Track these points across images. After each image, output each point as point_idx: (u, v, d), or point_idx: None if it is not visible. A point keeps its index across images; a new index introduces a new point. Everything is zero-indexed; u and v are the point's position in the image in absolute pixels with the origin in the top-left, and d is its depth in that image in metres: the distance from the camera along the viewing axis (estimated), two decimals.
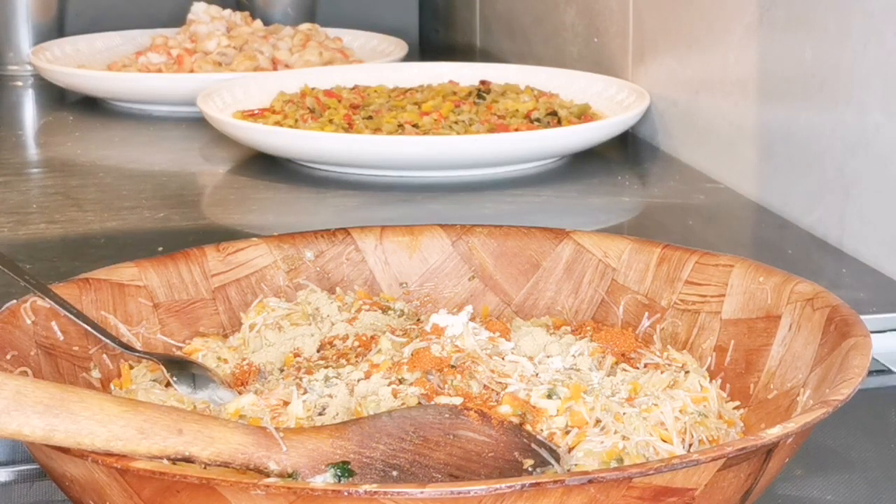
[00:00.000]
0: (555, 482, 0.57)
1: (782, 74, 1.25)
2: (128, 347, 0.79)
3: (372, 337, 0.80)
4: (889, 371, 0.93)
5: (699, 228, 1.24)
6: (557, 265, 0.88)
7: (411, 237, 0.90)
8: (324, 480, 0.63)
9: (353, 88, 1.59)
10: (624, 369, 0.76)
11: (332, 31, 1.99)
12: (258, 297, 0.86)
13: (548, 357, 0.76)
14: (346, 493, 0.57)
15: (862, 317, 0.74)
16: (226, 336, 0.84)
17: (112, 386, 0.79)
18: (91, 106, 1.75)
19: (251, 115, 1.49)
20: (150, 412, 0.62)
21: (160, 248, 1.11)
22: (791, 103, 1.23)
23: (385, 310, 0.84)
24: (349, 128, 1.42)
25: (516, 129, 1.41)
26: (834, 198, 1.16)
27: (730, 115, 1.35)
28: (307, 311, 0.83)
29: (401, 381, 0.72)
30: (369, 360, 0.75)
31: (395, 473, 0.64)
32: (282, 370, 0.79)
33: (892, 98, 1.08)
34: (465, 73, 1.65)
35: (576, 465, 0.67)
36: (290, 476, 0.63)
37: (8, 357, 0.73)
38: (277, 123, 1.44)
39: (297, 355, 0.80)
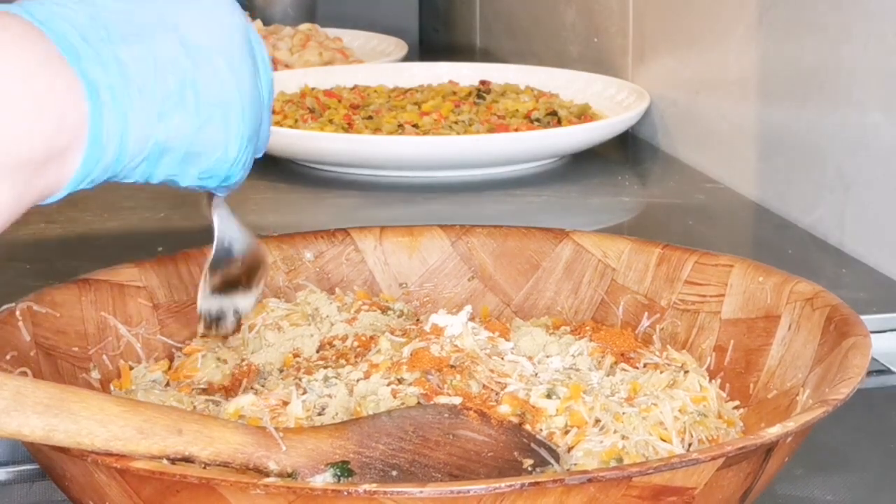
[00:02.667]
0: (554, 481, 0.57)
1: (782, 74, 1.25)
2: None
3: (371, 337, 0.80)
4: (889, 371, 0.93)
5: (699, 228, 1.24)
6: (557, 265, 0.88)
7: (411, 238, 0.90)
8: (323, 480, 0.63)
9: (353, 88, 1.59)
10: (623, 369, 0.76)
11: (332, 31, 1.99)
12: None
13: (547, 357, 0.76)
14: (345, 493, 0.57)
15: (862, 317, 0.74)
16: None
17: (112, 386, 0.79)
18: None
19: None
20: (149, 412, 0.62)
21: (160, 248, 1.11)
22: (791, 103, 1.23)
23: (384, 310, 0.84)
24: (349, 128, 1.42)
25: (516, 129, 1.41)
26: (834, 198, 1.16)
27: (730, 115, 1.35)
28: (306, 311, 0.83)
29: (400, 381, 0.72)
30: (369, 360, 0.75)
31: (394, 473, 0.64)
32: (281, 371, 0.79)
33: (892, 98, 1.08)
34: (465, 73, 1.65)
35: (575, 464, 0.67)
36: (289, 476, 0.63)
37: (8, 357, 0.73)
38: (277, 123, 1.44)
39: (296, 356, 0.80)
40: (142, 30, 0.64)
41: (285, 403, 0.71)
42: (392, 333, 0.78)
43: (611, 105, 1.51)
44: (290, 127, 1.42)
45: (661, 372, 0.75)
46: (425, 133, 1.40)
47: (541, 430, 0.70)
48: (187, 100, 0.65)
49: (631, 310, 0.85)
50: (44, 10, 0.61)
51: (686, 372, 0.75)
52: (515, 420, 0.69)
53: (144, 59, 0.63)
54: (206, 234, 1.20)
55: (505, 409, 0.70)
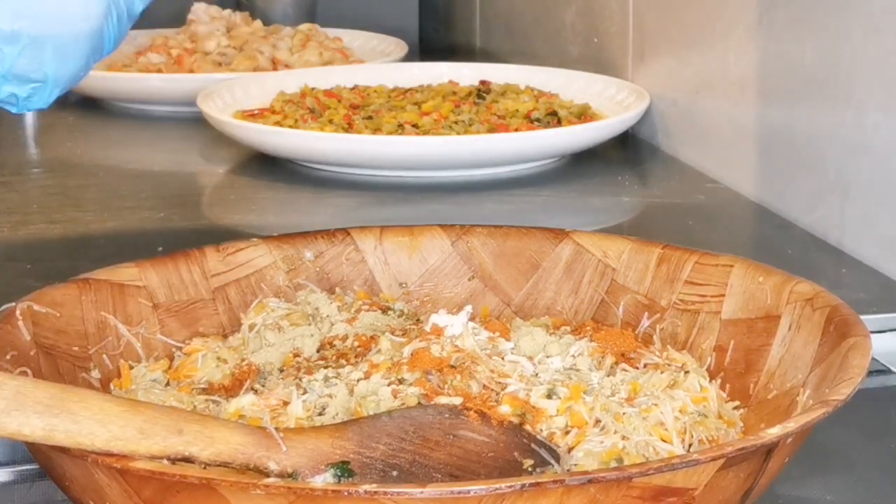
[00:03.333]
0: (555, 482, 0.57)
1: (782, 74, 1.25)
2: None
3: (371, 337, 0.80)
4: (889, 371, 0.93)
5: (699, 228, 1.24)
6: (557, 265, 0.88)
7: (411, 237, 0.90)
8: (324, 480, 0.63)
9: (353, 88, 1.59)
10: (624, 369, 0.76)
11: (332, 31, 1.99)
12: (258, 298, 0.86)
13: (547, 357, 0.76)
14: (346, 493, 0.57)
15: (862, 317, 0.74)
16: (225, 336, 0.84)
17: (112, 386, 0.79)
18: (91, 106, 1.75)
19: (251, 115, 1.49)
20: (150, 412, 0.62)
21: (160, 248, 1.11)
22: (791, 103, 1.23)
23: (385, 310, 0.84)
24: (349, 128, 1.42)
25: (516, 129, 1.41)
26: (834, 198, 1.16)
27: (730, 115, 1.35)
28: (307, 311, 0.83)
29: (400, 382, 0.72)
30: (369, 360, 0.75)
31: (395, 473, 0.64)
32: (281, 370, 0.79)
33: (892, 98, 1.08)
34: (465, 73, 1.65)
35: (575, 464, 0.67)
36: (290, 476, 0.63)
37: (8, 357, 0.73)
38: (277, 123, 1.44)
39: (296, 355, 0.80)
40: None
41: (285, 403, 0.72)
42: (392, 333, 0.78)
43: (611, 105, 1.51)
44: (290, 127, 1.42)
45: (662, 372, 0.75)
46: (425, 133, 1.40)
47: (541, 430, 0.70)
48: None
49: (631, 310, 0.85)
50: None
51: (686, 372, 0.75)
52: (516, 420, 0.69)
53: None
54: (205, 234, 1.20)
55: (505, 410, 0.70)
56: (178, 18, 1.97)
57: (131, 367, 0.80)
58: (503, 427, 0.68)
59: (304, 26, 1.96)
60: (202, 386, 0.78)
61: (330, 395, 0.72)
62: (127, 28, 0.75)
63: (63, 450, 0.61)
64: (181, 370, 0.80)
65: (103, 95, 1.74)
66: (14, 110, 0.75)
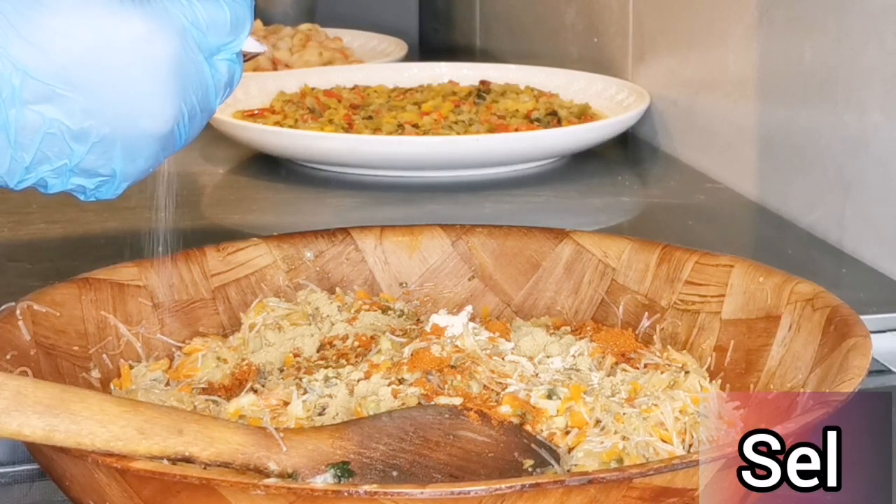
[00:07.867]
0: (555, 483, 0.57)
1: (782, 74, 1.25)
2: None
3: (372, 337, 0.80)
4: (889, 371, 0.93)
5: (699, 228, 1.24)
6: (557, 265, 0.88)
7: (411, 237, 0.90)
8: (324, 481, 0.63)
9: (353, 88, 1.59)
10: (624, 369, 0.76)
11: (332, 31, 1.99)
12: (258, 297, 0.86)
13: (548, 357, 0.76)
14: (346, 494, 0.57)
15: (862, 317, 0.74)
16: (226, 336, 0.84)
17: (112, 386, 0.79)
18: None
19: (251, 115, 1.49)
20: (150, 412, 0.62)
21: (160, 248, 1.11)
22: (791, 103, 1.23)
23: (385, 310, 0.84)
24: (349, 128, 1.42)
25: (516, 129, 1.41)
26: (834, 198, 1.16)
27: (730, 115, 1.35)
28: (307, 311, 0.83)
29: (401, 382, 0.72)
30: (369, 360, 0.75)
31: (395, 474, 0.64)
32: (281, 370, 0.79)
33: (892, 98, 1.08)
34: (465, 73, 1.65)
35: (576, 465, 0.67)
36: (290, 476, 0.63)
37: (8, 357, 0.73)
38: (277, 123, 1.44)
39: (296, 355, 0.80)
40: (48, 97, 0.67)
41: (286, 403, 0.72)
42: (392, 333, 0.78)
43: (611, 105, 1.51)
44: (290, 127, 1.42)
45: (662, 372, 0.75)
46: (425, 133, 1.40)
47: (541, 430, 0.70)
48: (60, 165, 0.69)
49: (631, 310, 0.85)
50: None
51: (686, 372, 0.75)
52: (516, 421, 0.69)
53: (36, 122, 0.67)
54: (206, 234, 1.20)
55: (505, 410, 0.70)
56: None
57: (131, 367, 0.80)
58: (503, 427, 0.68)
59: (304, 26, 1.96)
60: (202, 386, 0.78)
61: (330, 395, 0.72)
62: (202, 124, 0.74)
63: (63, 450, 0.61)
64: (181, 370, 0.80)
65: None
66: (82, 198, 0.74)
